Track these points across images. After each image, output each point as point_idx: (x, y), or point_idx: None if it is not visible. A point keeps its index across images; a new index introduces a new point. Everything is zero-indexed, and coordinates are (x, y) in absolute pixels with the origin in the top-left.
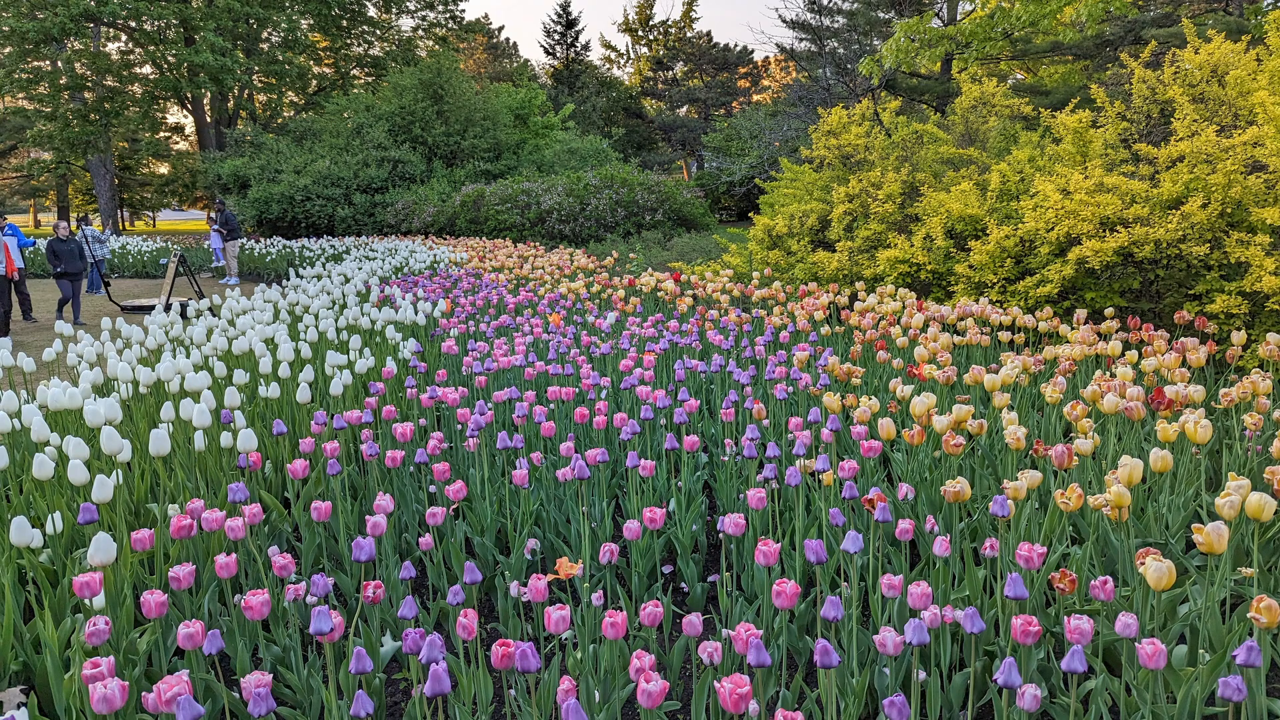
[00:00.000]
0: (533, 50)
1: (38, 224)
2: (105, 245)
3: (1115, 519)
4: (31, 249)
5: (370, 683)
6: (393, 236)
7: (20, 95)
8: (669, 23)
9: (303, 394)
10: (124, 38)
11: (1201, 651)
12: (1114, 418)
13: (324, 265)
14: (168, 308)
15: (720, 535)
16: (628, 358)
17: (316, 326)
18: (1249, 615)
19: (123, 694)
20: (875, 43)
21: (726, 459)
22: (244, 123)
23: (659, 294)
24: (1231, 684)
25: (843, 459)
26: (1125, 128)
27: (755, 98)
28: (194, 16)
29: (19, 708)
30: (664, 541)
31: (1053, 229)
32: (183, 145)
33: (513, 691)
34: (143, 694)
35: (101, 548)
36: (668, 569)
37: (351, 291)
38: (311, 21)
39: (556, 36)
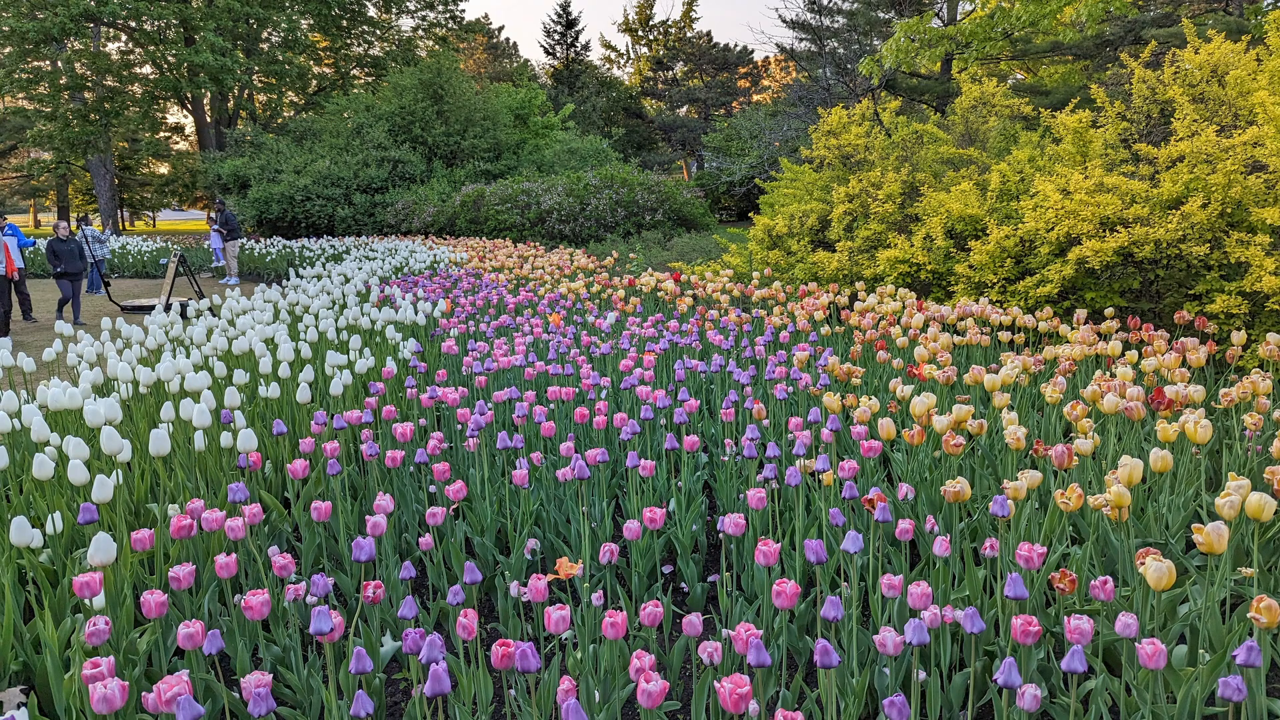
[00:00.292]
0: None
1: (38, 224)
2: (105, 245)
3: (1115, 519)
4: (31, 249)
5: (370, 683)
6: (393, 236)
7: (20, 95)
8: (669, 23)
9: (303, 394)
10: (124, 38)
11: (1201, 651)
12: (1114, 418)
13: (324, 265)
14: (168, 308)
15: (720, 535)
16: (628, 358)
17: (316, 326)
18: (1249, 615)
19: (123, 694)
20: (875, 43)
21: (726, 459)
22: (244, 123)
23: (659, 294)
24: (1231, 684)
25: (843, 459)
26: (1125, 128)
27: (755, 98)
28: (194, 16)
29: (19, 708)
30: (664, 541)
31: (1053, 229)
32: (183, 145)
33: (513, 691)
34: (143, 694)
35: (101, 548)
36: (668, 569)
37: (351, 291)
38: (311, 21)
39: (556, 36)
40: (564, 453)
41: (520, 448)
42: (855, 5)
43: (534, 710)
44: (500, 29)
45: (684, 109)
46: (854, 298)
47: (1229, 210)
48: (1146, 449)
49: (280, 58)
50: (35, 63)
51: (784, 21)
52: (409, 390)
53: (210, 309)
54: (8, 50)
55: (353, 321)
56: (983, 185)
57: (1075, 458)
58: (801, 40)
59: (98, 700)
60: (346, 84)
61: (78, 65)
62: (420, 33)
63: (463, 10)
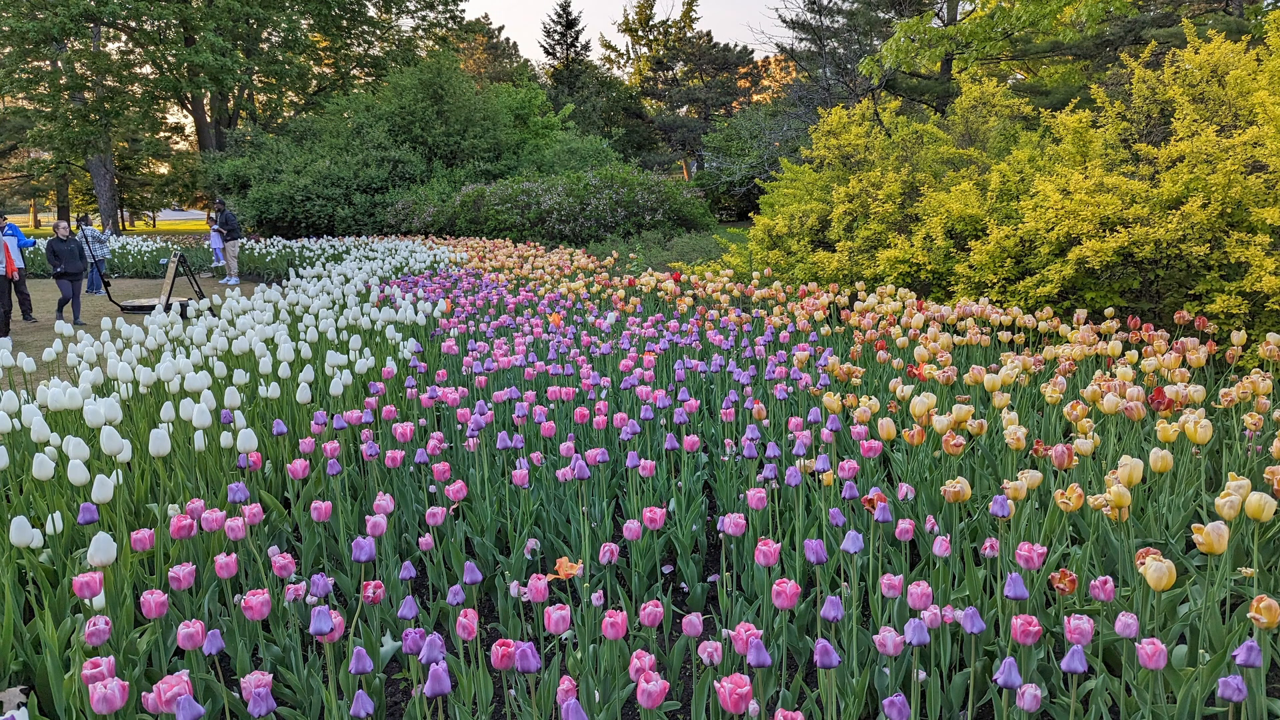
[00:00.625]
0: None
1: (38, 224)
2: (105, 245)
3: (1115, 519)
4: (31, 249)
5: (370, 683)
6: (393, 236)
7: (20, 95)
8: (669, 22)
9: (303, 394)
10: (124, 38)
11: (1201, 651)
12: (1114, 418)
13: (324, 265)
14: (168, 308)
15: (720, 535)
16: (628, 358)
17: (316, 326)
18: (1249, 615)
19: (122, 694)
20: (875, 43)
21: (726, 459)
22: (244, 122)
23: (659, 294)
24: (1231, 684)
25: (843, 459)
26: (1125, 128)
27: (755, 98)
28: (194, 16)
29: (19, 708)
30: (664, 541)
31: (1053, 229)
32: (183, 145)
33: (513, 691)
34: (142, 694)
35: (101, 548)
36: (668, 569)
37: (351, 291)
38: (311, 21)
39: (556, 36)
40: (564, 453)
41: (520, 448)
42: (855, 5)
43: (534, 710)
44: (500, 29)
45: (684, 109)
46: (854, 298)
47: (1229, 210)
48: (1146, 449)
49: (280, 57)
50: (35, 63)
51: (784, 21)
52: (409, 390)
53: (210, 309)
54: (8, 50)
55: (353, 321)
56: (983, 185)
57: (1075, 458)
58: (801, 40)
59: (98, 700)
60: (346, 84)
61: (78, 65)
62: (420, 33)
63: (463, 10)
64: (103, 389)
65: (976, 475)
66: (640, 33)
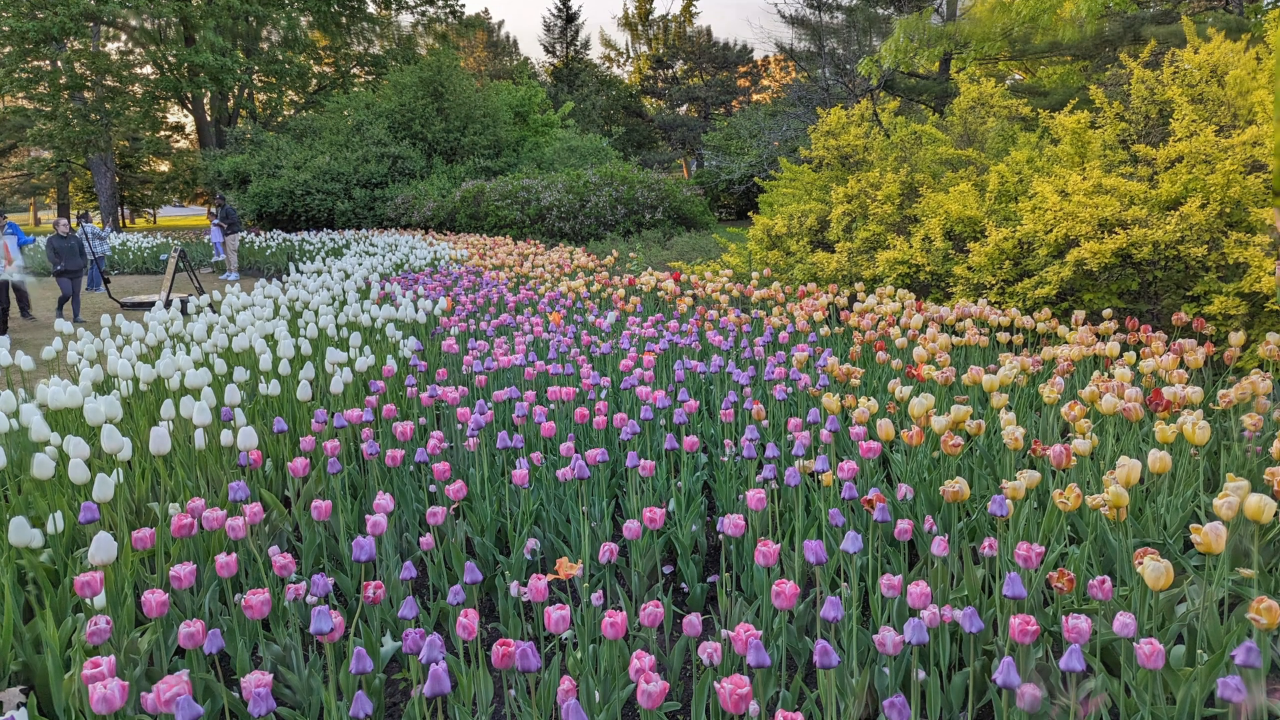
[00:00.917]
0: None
1: (38, 221)
2: (105, 242)
3: (1113, 519)
4: (31, 246)
5: (370, 683)
6: (392, 230)
7: (20, 95)
8: (669, 17)
9: (303, 391)
10: (124, 37)
11: (1199, 651)
12: (1112, 419)
13: (324, 260)
14: (168, 304)
15: (720, 536)
16: (627, 357)
17: (317, 323)
18: (1249, 616)
19: (122, 694)
20: (875, 43)
21: (726, 459)
22: (244, 121)
23: (659, 294)
24: (1230, 684)
25: (842, 459)
26: (1124, 128)
27: (755, 97)
28: (194, 15)
29: (18, 708)
30: (663, 542)
31: (1051, 231)
32: (183, 144)
33: (513, 692)
34: (142, 695)
35: (102, 547)
36: (668, 569)
37: (351, 288)
38: (311, 19)
39: (556, 31)
40: (564, 452)
41: (520, 447)
42: (855, 1)
43: (534, 711)
44: (500, 24)
45: (684, 107)
46: (853, 298)
47: (1228, 210)
48: (1145, 450)
49: (280, 57)
50: (35, 62)
51: (783, 17)
52: (409, 389)
53: (211, 305)
54: (7, 50)
55: (353, 318)
56: (981, 186)
57: (1073, 458)
58: (801, 40)
59: (97, 700)
60: (346, 83)
61: (77, 65)
62: (420, 29)
63: (462, 5)
64: (103, 386)
65: (975, 475)
66: (640, 28)
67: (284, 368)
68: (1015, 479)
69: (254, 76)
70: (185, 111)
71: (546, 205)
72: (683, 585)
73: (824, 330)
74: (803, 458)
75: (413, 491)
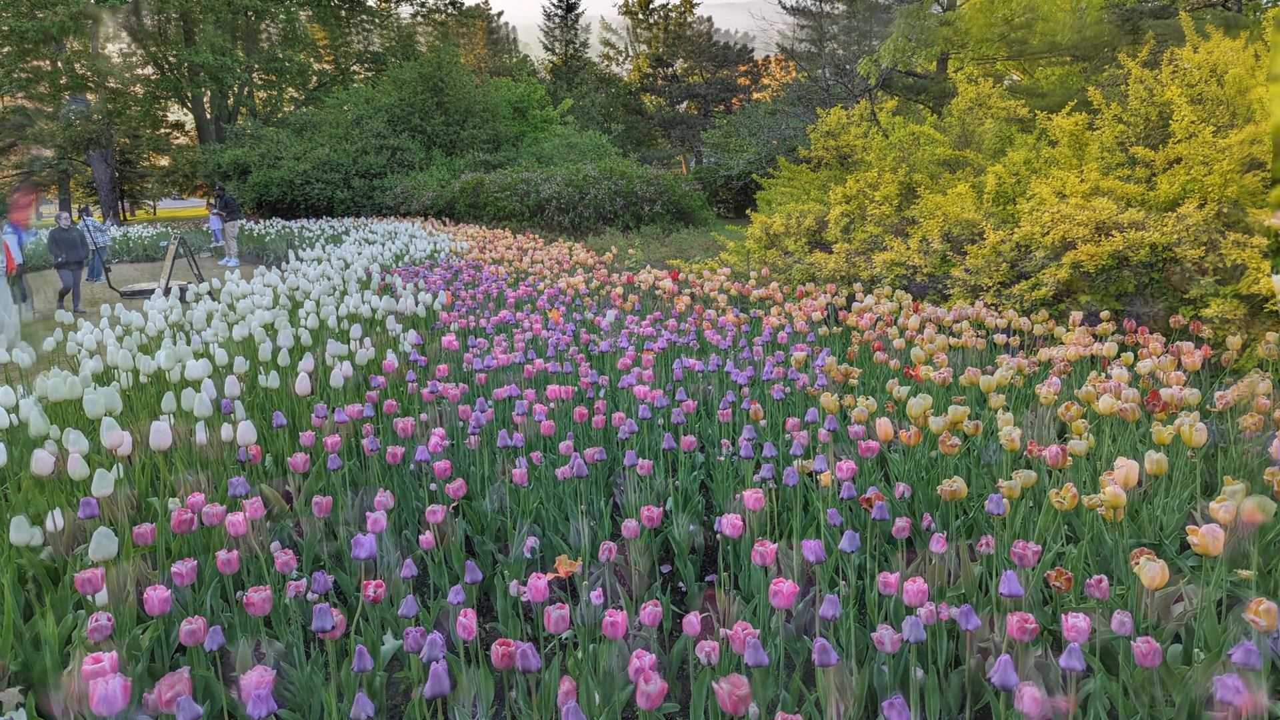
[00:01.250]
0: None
1: (39, 215)
2: (106, 234)
3: (1110, 519)
4: (33, 241)
5: (371, 682)
6: (391, 218)
7: (20, 95)
8: (669, 6)
9: (302, 384)
10: (124, 35)
11: (1196, 651)
12: (1109, 419)
13: (323, 247)
14: (167, 291)
15: (718, 536)
16: (626, 356)
17: (318, 314)
18: (1247, 617)
19: (124, 693)
20: (874, 43)
21: (723, 459)
22: (244, 118)
23: (657, 292)
24: (1229, 684)
25: (840, 459)
26: (1123, 130)
27: (755, 95)
28: (193, 10)
29: (17, 708)
30: (661, 541)
31: (1048, 233)
32: (183, 140)
33: (513, 693)
34: (144, 694)
35: (103, 543)
36: (666, 569)
37: (352, 278)
38: (310, 13)
39: (556, 20)
40: (563, 451)
41: (520, 446)
42: None
43: (534, 713)
44: (499, 14)
45: (683, 105)
46: (851, 299)
47: (1225, 210)
48: (1142, 450)
49: (280, 55)
50: (35, 62)
51: (784, 8)
52: (410, 384)
53: (210, 293)
54: (7, 50)
55: (353, 310)
56: (979, 188)
57: (1070, 458)
58: (802, 42)
59: (99, 700)
60: (347, 80)
61: (77, 66)
62: (419, 19)
63: None
64: (103, 377)
65: (973, 475)
66: (640, 15)
67: (283, 358)
68: (1012, 479)
69: (254, 75)
70: (185, 109)
71: (546, 197)
72: (680, 585)
73: (822, 330)
74: (801, 457)
75: (413, 490)
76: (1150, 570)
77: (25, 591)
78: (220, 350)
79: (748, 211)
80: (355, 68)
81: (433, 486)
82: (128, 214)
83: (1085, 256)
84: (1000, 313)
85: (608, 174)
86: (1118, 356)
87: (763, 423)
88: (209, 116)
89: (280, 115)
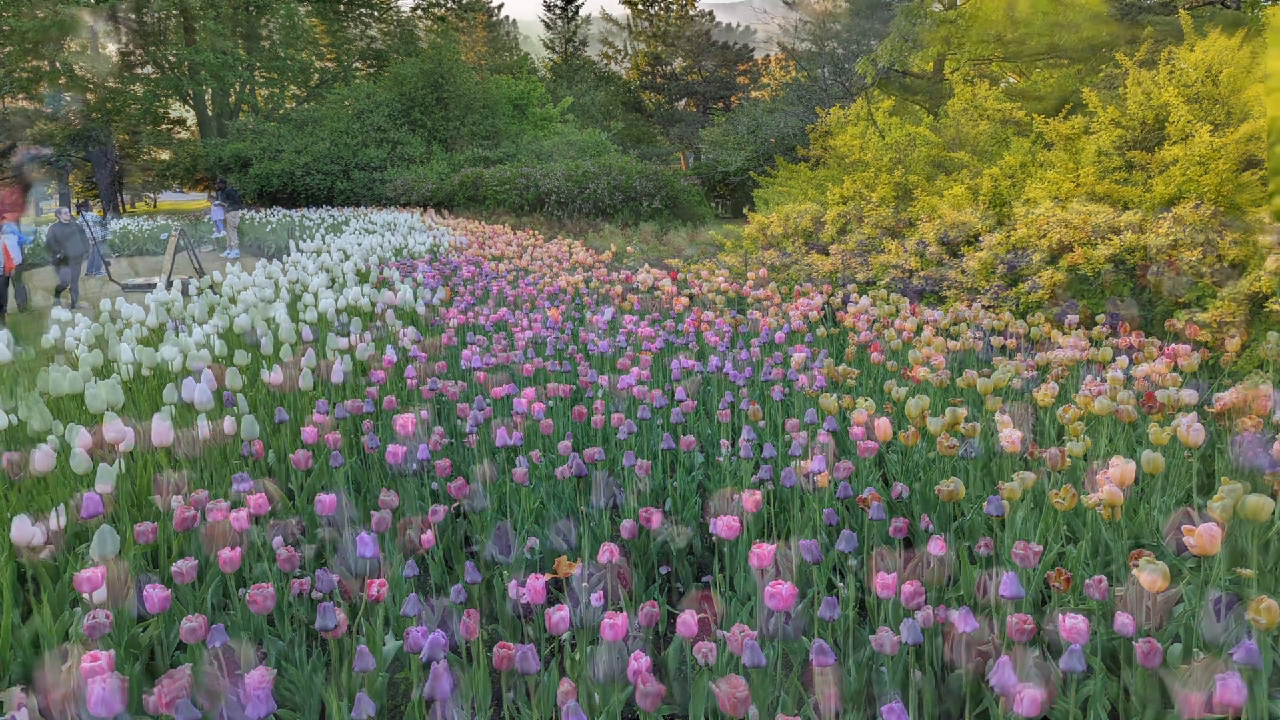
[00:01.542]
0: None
1: (39, 211)
2: (106, 228)
3: (1108, 519)
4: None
5: (373, 682)
6: (391, 208)
7: (20, 95)
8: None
9: (305, 380)
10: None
11: (1196, 650)
12: (1106, 421)
13: (323, 237)
14: (169, 285)
15: (713, 537)
16: (625, 356)
17: (316, 306)
18: (1248, 617)
19: (122, 694)
20: (872, 42)
21: (722, 459)
22: (246, 115)
23: (655, 292)
24: (1230, 684)
25: (838, 459)
26: (1120, 135)
27: (755, 94)
28: (193, 6)
29: (19, 708)
30: (660, 541)
31: (1044, 236)
32: (184, 134)
33: (511, 695)
34: (143, 696)
35: (104, 541)
36: (664, 569)
37: (351, 269)
38: (310, 7)
39: (557, 9)
40: (562, 451)
41: (520, 445)
42: None
43: (534, 713)
44: (500, 6)
45: (682, 102)
46: (847, 299)
47: (1223, 210)
48: (1139, 451)
49: (282, 54)
50: (35, 62)
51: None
52: (409, 381)
53: (211, 285)
54: (8, 50)
55: (353, 302)
56: (974, 190)
57: (1068, 459)
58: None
59: (95, 702)
60: (348, 76)
61: (76, 67)
62: (419, 12)
63: None
64: (102, 371)
65: (970, 476)
66: (640, 6)
67: (285, 352)
68: (1011, 480)
69: (255, 73)
70: (187, 106)
71: (545, 191)
72: (678, 585)
73: (820, 331)
74: (799, 457)
75: (415, 488)
76: (1149, 574)
77: (25, 590)
78: (220, 341)
79: (745, 211)
80: (357, 65)
81: (434, 485)
82: (127, 206)
83: (1082, 260)
84: (997, 315)
85: (607, 170)
86: (1114, 359)
87: (761, 423)
88: (210, 113)
89: (282, 111)
